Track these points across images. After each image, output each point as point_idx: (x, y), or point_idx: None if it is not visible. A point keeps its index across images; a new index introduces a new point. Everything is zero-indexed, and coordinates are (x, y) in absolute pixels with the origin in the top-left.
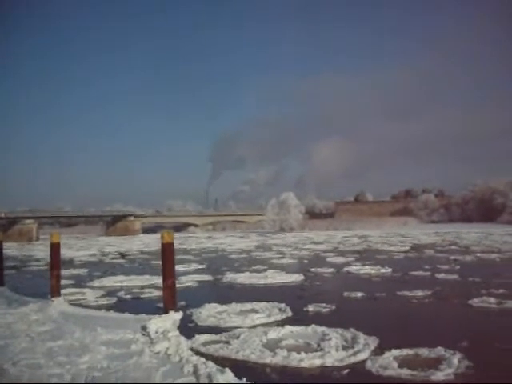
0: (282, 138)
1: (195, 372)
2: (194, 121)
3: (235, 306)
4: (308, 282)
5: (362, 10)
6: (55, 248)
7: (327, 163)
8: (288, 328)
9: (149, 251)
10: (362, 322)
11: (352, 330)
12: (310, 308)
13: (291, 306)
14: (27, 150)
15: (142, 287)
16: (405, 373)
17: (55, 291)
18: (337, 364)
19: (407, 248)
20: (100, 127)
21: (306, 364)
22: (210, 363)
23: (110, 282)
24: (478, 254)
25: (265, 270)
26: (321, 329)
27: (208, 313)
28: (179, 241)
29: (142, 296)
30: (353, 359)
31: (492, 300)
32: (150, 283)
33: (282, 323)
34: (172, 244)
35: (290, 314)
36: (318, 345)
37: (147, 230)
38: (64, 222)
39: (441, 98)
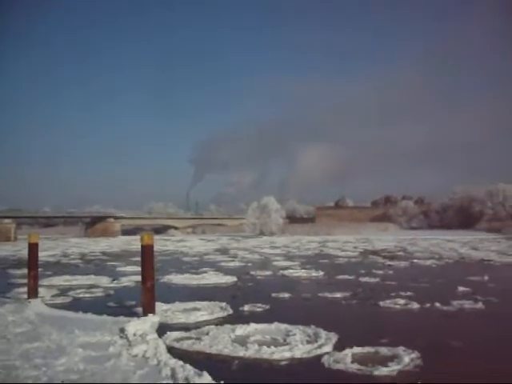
0: (265, 142)
1: (173, 375)
2: (176, 123)
3: (178, 305)
4: (241, 283)
5: (351, 17)
6: (33, 248)
7: (309, 168)
8: (253, 325)
9: (110, 252)
10: (293, 318)
11: (312, 326)
12: (246, 308)
13: (223, 304)
14: (7, 150)
15: (91, 286)
16: (353, 367)
17: (32, 292)
18: (305, 356)
19: (356, 254)
20: (81, 129)
21: (277, 356)
22: (188, 366)
23: (59, 281)
24: (416, 260)
25: (205, 272)
26: (283, 326)
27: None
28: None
29: (93, 295)
30: (319, 351)
31: (400, 301)
32: (96, 283)
33: (224, 321)
34: (152, 246)
35: (230, 311)
36: (285, 340)
37: (127, 232)
38: (43, 223)
39: (421, 106)
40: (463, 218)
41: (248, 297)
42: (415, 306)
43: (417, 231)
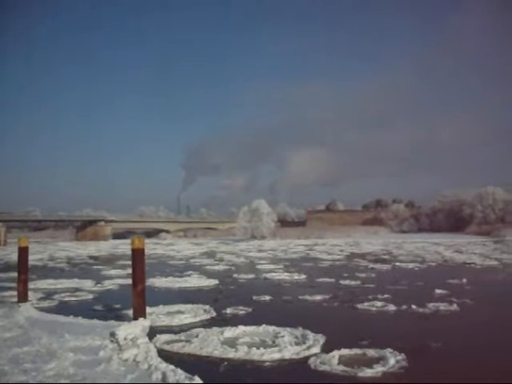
0: (256, 146)
1: (164, 379)
2: (168, 127)
3: (162, 308)
4: (223, 287)
5: (346, 19)
6: (23, 252)
7: (300, 172)
8: (241, 328)
9: (97, 256)
10: (275, 321)
11: (300, 328)
12: (228, 310)
13: (207, 307)
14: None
15: (75, 290)
16: (338, 369)
17: (22, 296)
18: (294, 357)
19: (342, 257)
20: (71, 132)
21: (267, 358)
22: (179, 370)
23: (44, 284)
24: (398, 263)
25: (188, 275)
26: (271, 328)
27: None
28: (130, 247)
29: (78, 299)
30: (307, 353)
31: (378, 304)
32: (80, 286)
33: (208, 323)
34: (142, 250)
35: (214, 314)
36: (273, 341)
37: (118, 236)
38: (33, 226)
39: (412, 111)
40: (453, 221)
41: (230, 300)
42: (392, 308)
43: (407, 234)
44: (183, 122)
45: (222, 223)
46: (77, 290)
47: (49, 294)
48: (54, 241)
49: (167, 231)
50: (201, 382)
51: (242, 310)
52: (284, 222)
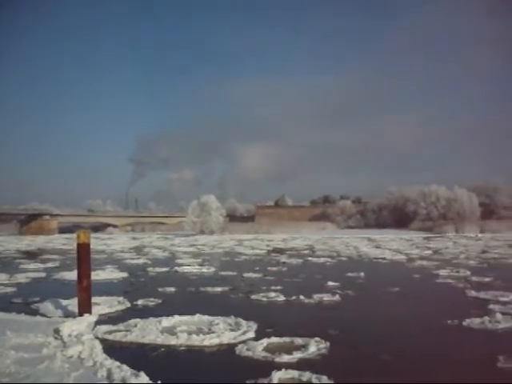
0: (206, 140)
1: (109, 376)
2: (115, 119)
3: (75, 300)
4: (133, 279)
5: (298, 13)
6: None
7: (250, 167)
8: (177, 317)
9: (26, 250)
10: (183, 310)
11: (232, 316)
12: (140, 302)
13: (120, 299)
14: None
15: None
16: (260, 355)
17: None
18: (232, 341)
19: (263, 252)
20: (17, 122)
21: (207, 343)
22: (125, 367)
23: None
24: (311, 258)
25: (102, 269)
26: (205, 317)
27: (55, 305)
28: (64, 241)
29: None
30: (243, 337)
31: (271, 294)
32: None
33: (125, 314)
34: (88, 244)
35: (128, 305)
36: (209, 329)
37: (64, 230)
38: None
39: (360, 109)
40: (398, 217)
41: (139, 292)
42: (282, 298)
43: (354, 230)
44: (132, 114)
45: (171, 218)
46: None
47: None
48: None
49: (115, 226)
50: (146, 378)
51: (152, 302)
52: (233, 217)
